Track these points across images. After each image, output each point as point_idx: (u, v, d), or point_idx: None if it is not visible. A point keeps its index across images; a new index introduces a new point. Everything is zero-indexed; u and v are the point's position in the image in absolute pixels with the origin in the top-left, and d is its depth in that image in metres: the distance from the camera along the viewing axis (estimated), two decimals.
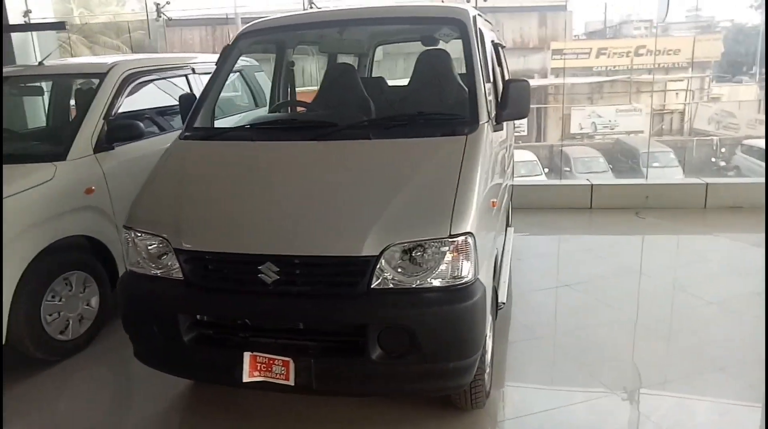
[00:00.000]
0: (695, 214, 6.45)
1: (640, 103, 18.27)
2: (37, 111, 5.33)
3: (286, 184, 2.74)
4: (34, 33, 7.64)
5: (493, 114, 3.04)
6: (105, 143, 3.92)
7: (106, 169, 3.90)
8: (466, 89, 3.09)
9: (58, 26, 7.59)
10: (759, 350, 3.45)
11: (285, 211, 2.60)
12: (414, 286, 2.41)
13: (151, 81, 4.57)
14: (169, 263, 2.63)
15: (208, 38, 17.98)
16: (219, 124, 3.69)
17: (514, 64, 19.94)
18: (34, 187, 3.46)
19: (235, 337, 2.61)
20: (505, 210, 4.11)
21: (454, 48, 3.67)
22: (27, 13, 7.83)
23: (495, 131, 3.06)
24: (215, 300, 2.57)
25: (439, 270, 2.40)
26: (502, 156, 3.56)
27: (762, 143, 14.13)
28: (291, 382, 2.47)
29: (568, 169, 16.14)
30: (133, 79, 4.29)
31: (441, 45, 3.96)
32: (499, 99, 3.05)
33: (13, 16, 7.67)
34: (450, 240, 2.39)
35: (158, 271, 2.67)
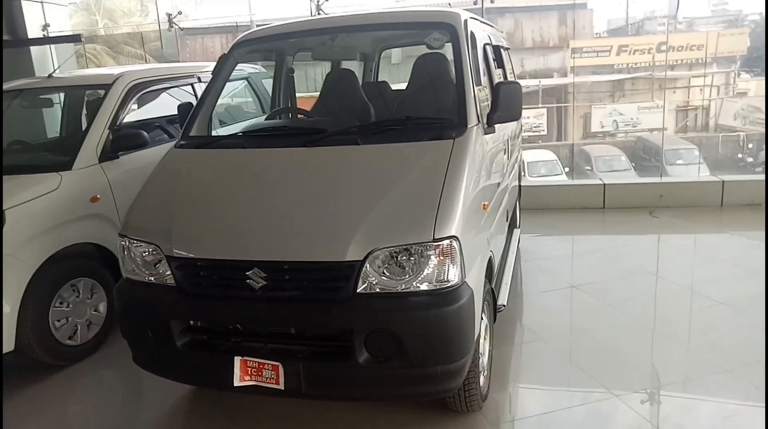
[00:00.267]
0: (711, 213, 6.33)
1: (662, 100, 17.92)
2: (54, 122, 5.48)
3: (275, 190, 2.77)
4: (53, 46, 7.85)
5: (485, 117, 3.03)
6: (110, 152, 4.02)
7: (111, 177, 3.99)
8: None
9: (74, 39, 7.79)
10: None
11: (272, 217, 2.63)
12: (399, 290, 2.42)
13: (157, 91, 4.67)
14: (162, 270, 2.68)
15: (227, 46, 18.19)
16: (225, 131, 3.75)
17: (533, 64, 19.82)
18: (39, 197, 3.56)
19: (227, 341, 2.65)
20: (506, 211, 4.07)
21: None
22: (45, 26, 8.03)
23: (487, 134, 3.05)
24: (206, 306, 2.62)
25: (424, 274, 2.41)
26: (498, 158, 3.54)
27: None
28: (281, 386, 2.51)
29: (589, 167, 15.90)
30: (138, 90, 4.39)
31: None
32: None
33: (32, 30, 7.90)
34: (434, 244, 2.39)
35: (152, 278, 2.72)
